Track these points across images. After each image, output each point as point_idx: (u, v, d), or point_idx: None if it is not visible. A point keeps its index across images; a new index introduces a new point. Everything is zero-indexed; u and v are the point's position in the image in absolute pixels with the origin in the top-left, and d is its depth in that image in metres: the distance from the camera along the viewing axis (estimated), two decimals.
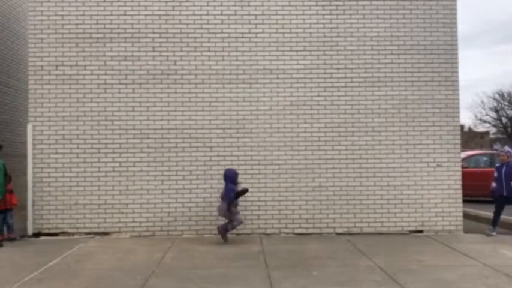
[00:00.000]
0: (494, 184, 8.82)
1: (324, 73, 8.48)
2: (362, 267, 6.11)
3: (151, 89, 8.35)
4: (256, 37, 8.44)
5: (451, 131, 8.56)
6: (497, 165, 9.13)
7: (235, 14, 8.43)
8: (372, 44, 8.52)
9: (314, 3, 8.49)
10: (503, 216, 9.67)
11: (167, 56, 8.38)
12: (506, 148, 8.97)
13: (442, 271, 5.91)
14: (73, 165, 8.26)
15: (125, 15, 8.37)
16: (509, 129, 50.57)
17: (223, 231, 7.61)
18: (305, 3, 8.48)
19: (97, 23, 8.34)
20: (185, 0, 8.40)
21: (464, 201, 8.78)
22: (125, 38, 8.36)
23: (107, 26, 8.35)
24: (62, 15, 8.34)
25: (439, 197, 8.44)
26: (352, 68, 8.50)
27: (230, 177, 7.62)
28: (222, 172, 8.03)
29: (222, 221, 7.75)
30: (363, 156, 8.45)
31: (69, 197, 8.22)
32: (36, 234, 8.14)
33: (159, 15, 8.39)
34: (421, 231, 8.40)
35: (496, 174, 8.80)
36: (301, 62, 8.46)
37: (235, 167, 8.27)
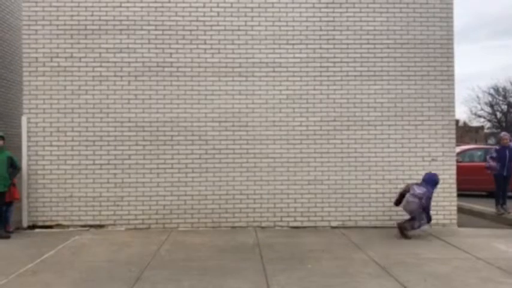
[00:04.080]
0: (491, 162, 9.89)
1: (320, 67, 8.47)
2: (356, 260, 6.15)
3: (146, 82, 8.32)
4: (252, 30, 8.41)
5: (446, 125, 8.59)
6: (497, 147, 10.15)
7: (232, 7, 8.39)
8: (369, 37, 8.51)
9: None
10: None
11: (163, 49, 8.34)
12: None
13: (436, 264, 5.97)
14: (68, 157, 8.23)
15: (120, 6, 8.30)
16: (503, 124, 50.82)
17: (410, 228, 7.47)
18: None
19: (92, 15, 8.28)
20: None
21: (459, 196, 8.86)
22: (121, 30, 8.30)
23: (102, 17, 8.29)
24: (57, 7, 8.26)
25: (434, 191, 8.46)
26: (348, 62, 8.50)
27: (434, 181, 7.69)
28: (219, 165, 8.25)
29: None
30: (358, 150, 8.47)
31: (64, 190, 8.20)
32: (31, 227, 8.13)
33: (155, 7, 8.33)
34: None
35: (494, 155, 9.85)
36: (298, 56, 8.45)
37: (230, 160, 8.30)
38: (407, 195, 7.52)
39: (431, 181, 7.65)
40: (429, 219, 7.63)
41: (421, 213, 7.47)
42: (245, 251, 6.66)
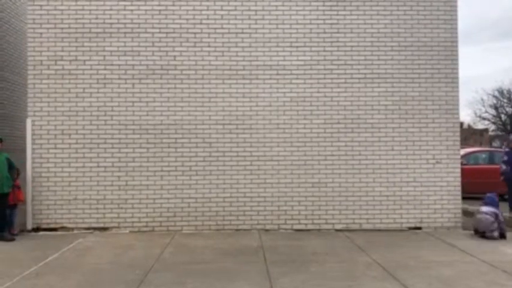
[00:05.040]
0: (504, 166, 9.84)
1: (324, 69, 8.47)
2: (360, 263, 6.13)
3: (150, 84, 8.33)
4: (256, 33, 8.41)
5: (450, 127, 8.56)
6: (507, 149, 10.16)
7: (235, 10, 8.40)
8: (372, 40, 8.50)
9: None
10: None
11: (167, 51, 8.36)
12: None
13: (441, 267, 5.93)
14: (72, 160, 8.25)
15: (124, 9, 8.33)
16: (508, 127, 50.55)
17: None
18: None
19: (96, 18, 8.31)
20: None
21: (463, 198, 8.83)
22: (125, 32, 8.33)
23: (106, 20, 8.32)
24: (62, 10, 8.30)
25: (438, 193, 8.44)
26: (352, 64, 8.49)
27: (496, 202, 7.98)
28: (223, 168, 8.30)
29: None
30: (362, 153, 8.45)
31: (68, 192, 8.22)
32: (36, 229, 8.14)
33: (159, 10, 8.36)
34: (419, 228, 8.41)
35: (506, 158, 9.80)
36: (301, 58, 8.45)
37: (234, 163, 8.29)
38: (477, 215, 7.88)
39: (494, 202, 7.91)
40: (502, 235, 7.74)
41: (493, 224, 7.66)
42: (249, 254, 6.65)
